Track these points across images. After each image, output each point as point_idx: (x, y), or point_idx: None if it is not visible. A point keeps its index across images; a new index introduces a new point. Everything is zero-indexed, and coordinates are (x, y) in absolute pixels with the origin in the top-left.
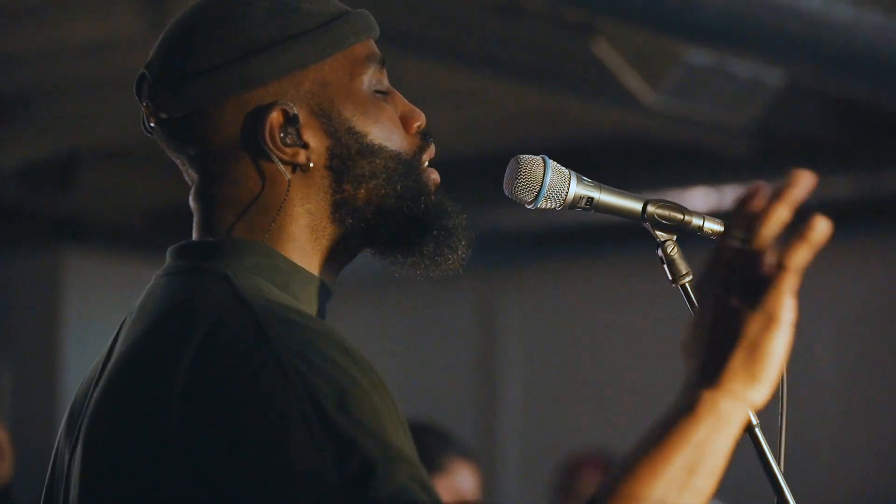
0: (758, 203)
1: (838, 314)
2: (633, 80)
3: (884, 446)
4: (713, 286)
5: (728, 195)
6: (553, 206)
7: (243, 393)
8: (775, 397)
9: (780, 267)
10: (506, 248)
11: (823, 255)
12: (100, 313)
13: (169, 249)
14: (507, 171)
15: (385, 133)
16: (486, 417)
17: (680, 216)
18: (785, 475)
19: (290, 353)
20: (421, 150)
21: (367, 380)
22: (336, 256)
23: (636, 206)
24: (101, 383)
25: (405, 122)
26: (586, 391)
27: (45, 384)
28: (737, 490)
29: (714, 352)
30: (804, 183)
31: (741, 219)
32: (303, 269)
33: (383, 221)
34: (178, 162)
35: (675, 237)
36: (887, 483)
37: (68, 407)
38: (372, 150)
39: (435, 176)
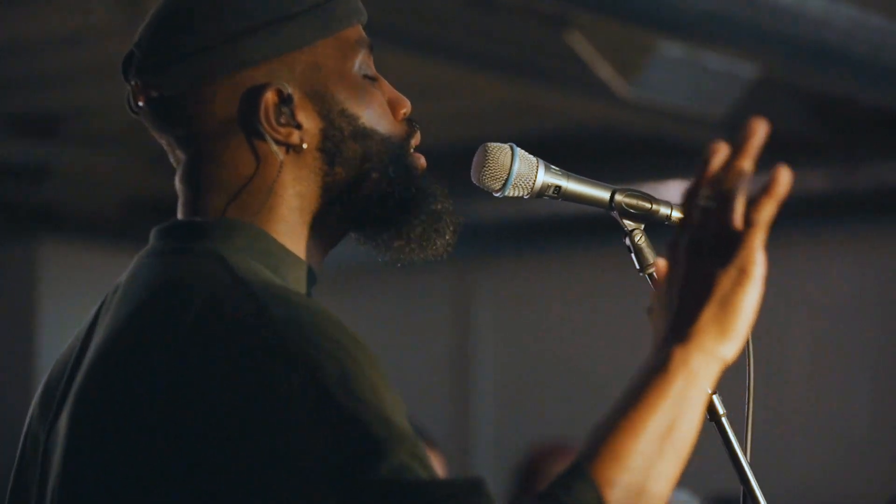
0: (719, 160)
1: (812, 307)
2: (607, 73)
3: (855, 439)
4: (683, 246)
5: None
6: (520, 194)
7: (245, 369)
8: (744, 388)
9: (749, 223)
10: (480, 239)
11: (797, 248)
12: (76, 302)
13: (154, 229)
14: (475, 158)
15: (376, 117)
16: (459, 409)
17: (648, 205)
18: (753, 466)
19: (292, 331)
20: (408, 135)
21: (366, 359)
22: (324, 239)
23: (604, 194)
24: (86, 363)
25: (392, 107)
26: (560, 383)
27: (21, 373)
28: (705, 480)
29: (684, 309)
30: (760, 132)
31: (705, 178)
32: (292, 252)
33: (373, 204)
34: (163, 142)
35: (643, 226)
36: (859, 475)
37: (40, 387)
38: (364, 133)
39: (422, 161)
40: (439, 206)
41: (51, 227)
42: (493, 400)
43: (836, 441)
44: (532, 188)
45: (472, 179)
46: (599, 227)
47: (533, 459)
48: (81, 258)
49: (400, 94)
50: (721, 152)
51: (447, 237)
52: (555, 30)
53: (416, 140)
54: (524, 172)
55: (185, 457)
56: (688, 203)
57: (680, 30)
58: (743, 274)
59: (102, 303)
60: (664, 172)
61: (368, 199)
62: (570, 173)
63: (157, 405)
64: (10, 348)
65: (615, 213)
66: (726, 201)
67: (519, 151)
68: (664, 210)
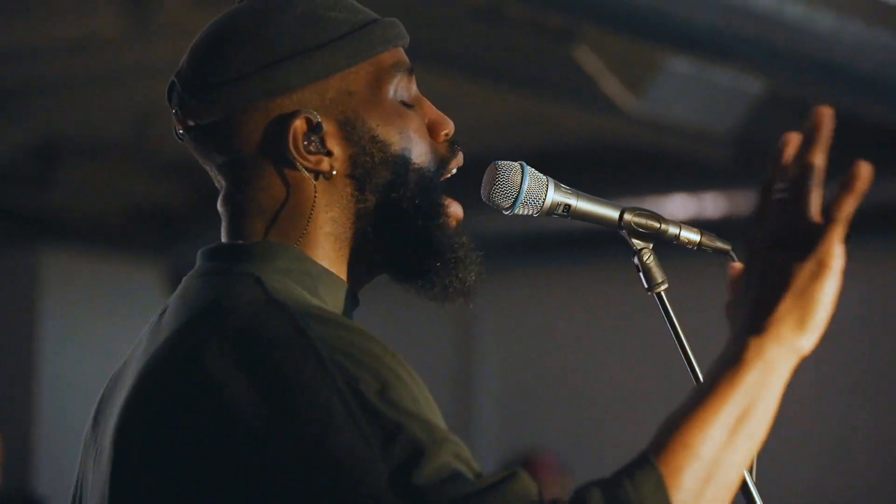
0: (791, 152)
1: None
2: (613, 87)
3: (857, 453)
4: (760, 240)
5: (707, 203)
6: (530, 212)
7: (285, 387)
8: None
9: (829, 218)
10: (483, 253)
11: None
12: (77, 310)
13: (200, 251)
14: (485, 176)
15: (409, 143)
16: (461, 422)
17: (656, 225)
18: (761, 480)
19: (329, 347)
20: (448, 158)
21: (404, 371)
22: (358, 268)
23: (613, 213)
24: (131, 381)
25: (433, 129)
26: (562, 397)
27: (23, 380)
28: None
29: (761, 301)
30: (827, 121)
31: (780, 171)
32: (331, 273)
33: (399, 237)
34: (207, 168)
35: (651, 245)
36: (861, 489)
37: (95, 404)
38: (395, 161)
39: (456, 210)
40: (462, 253)
41: (52, 234)
42: (495, 414)
43: (837, 451)
44: (542, 207)
45: (482, 197)
46: (602, 242)
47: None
48: (83, 266)
49: (443, 115)
50: (793, 144)
51: (468, 284)
52: (562, 44)
53: (457, 162)
54: (534, 191)
55: (230, 481)
56: (763, 196)
57: (687, 45)
58: (822, 266)
59: (153, 322)
60: (670, 187)
61: (395, 231)
62: (579, 192)
63: (197, 428)
64: (11, 355)
65: (624, 233)
66: (802, 194)
67: (529, 169)
68: (673, 230)
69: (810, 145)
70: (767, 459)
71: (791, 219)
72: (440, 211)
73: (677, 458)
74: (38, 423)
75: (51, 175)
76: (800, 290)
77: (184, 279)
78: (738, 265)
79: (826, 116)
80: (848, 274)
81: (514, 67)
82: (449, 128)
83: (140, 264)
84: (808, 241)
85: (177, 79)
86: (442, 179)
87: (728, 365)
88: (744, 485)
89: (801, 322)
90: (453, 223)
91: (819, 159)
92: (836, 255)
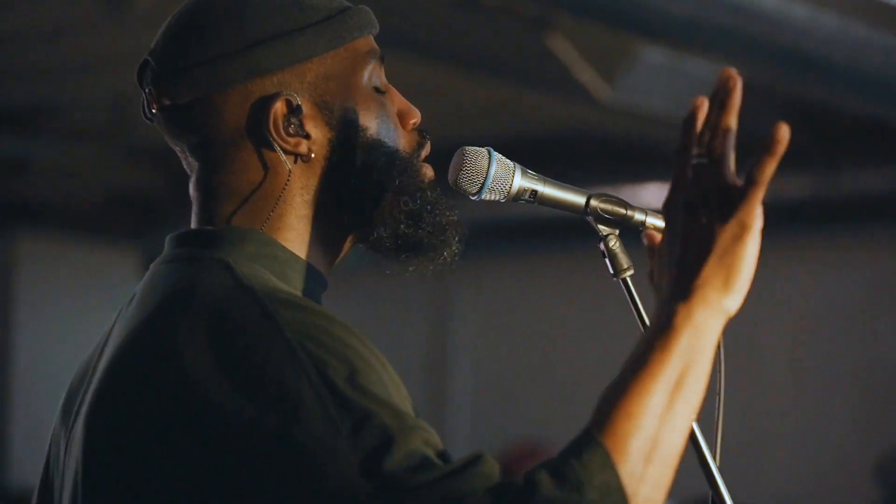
0: (703, 117)
1: (791, 312)
2: (588, 76)
3: (834, 445)
4: (679, 205)
5: None
6: (497, 198)
7: (254, 373)
8: (714, 393)
9: (751, 181)
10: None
11: (777, 253)
12: (53, 296)
13: (168, 237)
14: (452, 161)
15: (384, 128)
16: (436, 410)
17: (622, 211)
18: (731, 472)
19: (298, 333)
20: (418, 146)
21: (374, 357)
22: (332, 247)
23: (579, 199)
24: (101, 369)
25: (402, 118)
26: (537, 384)
27: None
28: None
29: (685, 265)
30: (736, 84)
31: (692, 135)
32: (300, 258)
33: (379, 215)
34: (177, 149)
35: (617, 232)
36: (837, 481)
37: (64, 393)
38: (372, 145)
39: (430, 172)
40: (445, 218)
41: (29, 220)
42: (470, 401)
43: (814, 448)
44: (508, 192)
45: (449, 182)
46: (577, 229)
47: (510, 460)
48: (59, 252)
49: (410, 105)
50: (703, 109)
51: (453, 248)
52: (536, 32)
53: (425, 150)
54: (501, 176)
55: (199, 466)
56: (679, 162)
57: (661, 35)
58: (744, 228)
59: (121, 310)
60: (643, 176)
61: (375, 210)
62: (546, 178)
63: (167, 413)
64: None
65: (590, 219)
66: (720, 158)
67: (496, 155)
68: (639, 216)
69: (722, 109)
70: (743, 453)
71: (710, 182)
72: (421, 185)
73: (621, 429)
74: (13, 410)
75: (27, 161)
76: (723, 251)
77: (152, 265)
78: (654, 233)
79: (734, 79)
80: (820, 265)
81: (488, 55)
82: (417, 117)
83: (117, 250)
84: (728, 203)
85: (151, 57)
86: (418, 165)
87: (659, 332)
88: (709, 473)
89: (727, 283)
90: (437, 196)
91: (732, 122)
92: (757, 216)
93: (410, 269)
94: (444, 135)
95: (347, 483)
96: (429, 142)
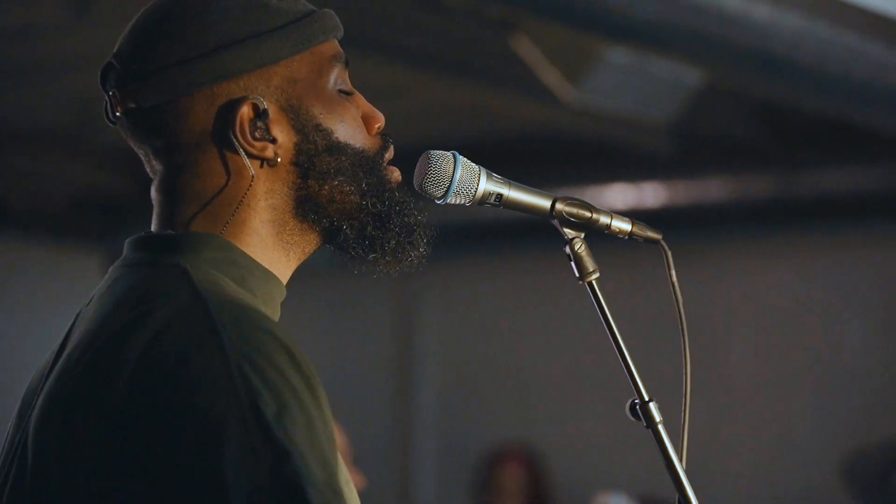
0: None
1: (753, 313)
2: (552, 77)
3: (797, 443)
4: None
5: (647, 192)
6: (462, 201)
7: (186, 390)
8: (680, 394)
9: None
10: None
11: (741, 253)
12: (18, 299)
13: (127, 241)
14: (417, 166)
15: (350, 131)
16: (402, 411)
17: (588, 214)
18: (695, 469)
19: (239, 354)
20: (382, 149)
21: (308, 393)
22: (296, 251)
23: (545, 203)
24: (53, 372)
25: (366, 122)
26: (503, 385)
27: None
28: (647, 486)
29: None
30: None
31: None
32: (260, 265)
33: (346, 218)
34: (140, 153)
35: (583, 235)
36: (800, 478)
37: (21, 397)
38: (338, 148)
39: (396, 174)
40: (413, 219)
41: None
42: (437, 404)
43: (777, 445)
44: (474, 196)
45: (415, 186)
46: (544, 231)
47: (490, 463)
48: (25, 255)
49: (374, 109)
50: None
51: (421, 249)
52: (501, 33)
53: (389, 154)
54: (466, 180)
55: (128, 471)
56: None
57: (626, 35)
58: None
59: (79, 312)
60: (608, 177)
61: (342, 213)
62: (511, 182)
63: (108, 425)
64: None
65: (556, 222)
66: None
67: (461, 159)
68: (604, 219)
69: None
70: (706, 453)
71: None
72: (388, 187)
73: None
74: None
75: None
76: None
77: (110, 269)
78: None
79: None
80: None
81: (452, 56)
82: (381, 121)
83: (83, 253)
84: None
85: (115, 59)
86: (384, 167)
87: None
88: (675, 475)
89: None
90: (404, 197)
91: None
92: None
93: (378, 270)
94: (409, 136)
95: None
96: (392, 146)
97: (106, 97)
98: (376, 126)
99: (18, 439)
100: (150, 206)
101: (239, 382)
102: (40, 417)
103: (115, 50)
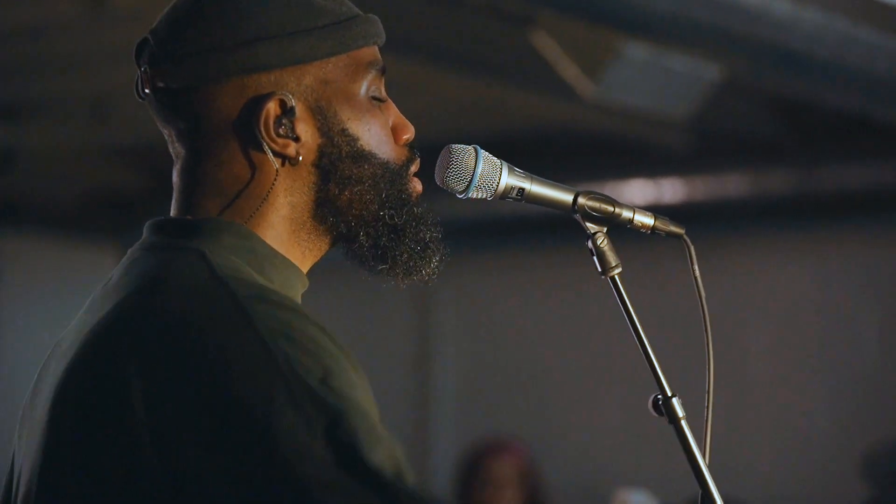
0: None
1: (771, 309)
2: (571, 73)
3: (815, 440)
4: None
5: (665, 188)
6: (484, 195)
7: (226, 370)
8: (702, 392)
9: None
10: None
11: (760, 249)
12: (36, 294)
13: (147, 224)
14: (439, 160)
15: (376, 140)
16: (419, 409)
17: (610, 208)
18: (713, 468)
19: (271, 330)
20: (408, 161)
21: (344, 357)
22: (311, 250)
23: (567, 197)
24: (71, 354)
25: (395, 132)
26: (521, 383)
27: None
28: (664, 483)
29: None
30: None
31: None
32: (279, 253)
33: (363, 226)
34: (165, 133)
35: (605, 229)
36: (819, 476)
37: (33, 381)
38: (362, 156)
39: (419, 187)
40: (428, 235)
41: (10, 219)
42: (454, 400)
43: (796, 442)
44: (495, 190)
45: (436, 180)
46: (561, 226)
47: (477, 454)
48: (41, 251)
49: (405, 120)
50: None
51: (433, 265)
52: (519, 29)
53: (415, 167)
54: (488, 174)
55: (164, 459)
56: None
57: (644, 31)
58: None
59: (94, 294)
60: (626, 173)
61: (359, 220)
62: (533, 176)
63: (134, 405)
64: None
65: (578, 216)
66: None
67: (483, 153)
68: (626, 213)
69: None
70: (724, 448)
71: None
72: (408, 201)
73: None
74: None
75: (10, 161)
76: None
77: (129, 251)
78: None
79: None
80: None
81: (471, 52)
82: (410, 133)
83: (98, 248)
84: None
85: (151, 36)
86: (407, 179)
87: None
88: (698, 472)
89: None
90: (423, 212)
91: None
92: None
93: (387, 280)
94: (427, 133)
95: (324, 481)
96: (418, 158)
97: (138, 72)
98: (405, 137)
99: (29, 425)
100: (164, 203)
101: (278, 356)
102: (56, 403)
103: (153, 26)
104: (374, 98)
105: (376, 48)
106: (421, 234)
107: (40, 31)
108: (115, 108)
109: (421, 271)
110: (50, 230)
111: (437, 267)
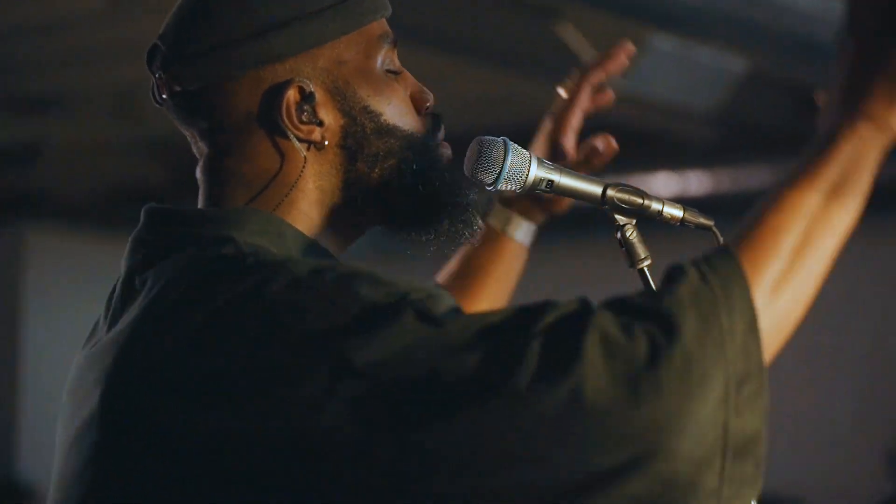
0: None
1: None
2: None
3: (839, 437)
4: (856, 29)
5: (691, 180)
6: (513, 188)
7: (288, 321)
8: None
9: None
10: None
11: None
12: (61, 289)
13: (163, 213)
14: (468, 152)
15: (398, 113)
16: None
17: (639, 201)
18: None
19: (322, 282)
20: (433, 129)
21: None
22: (344, 234)
23: (596, 189)
24: (120, 342)
25: (415, 102)
26: None
27: (6, 359)
28: None
29: (855, 83)
30: None
31: None
32: (309, 238)
33: (399, 200)
34: (187, 134)
35: (634, 221)
36: (843, 473)
37: (71, 374)
38: (387, 130)
39: (448, 152)
40: (465, 199)
41: (36, 214)
42: None
43: (819, 438)
44: (525, 182)
45: (465, 172)
46: (589, 218)
47: None
48: (66, 245)
49: (424, 88)
50: None
51: (474, 227)
52: (546, 21)
53: (441, 133)
54: (517, 166)
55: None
56: None
57: (671, 23)
58: None
59: (115, 284)
60: (654, 165)
61: (393, 194)
62: (562, 167)
63: (183, 388)
64: None
65: (607, 208)
66: None
67: (512, 145)
68: (656, 206)
69: None
70: None
71: (886, 7)
72: (440, 167)
73: (761, 248)
74: (22, 404)
75: (35, 153)
76: (893, 72)
77: (146, 238)
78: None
79: None
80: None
81: (497, 44)
82: (431, 100)
83: (123, 243)
84: None
85: (161, 42)
86: (435, 147)
87: (820, 142)
88: None
89: (893, 101)
90: (455, 177)
91: None
92: None
93: (432, 250)
94: (455, 125)
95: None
96: (443, 125)
97: (152, 79)
98: (426, 105)
99: (69, 418)
100: (191, 195)
101: (338, 299)
102: (108, 393)
103: (161, 31)
104: (390, 71)
105: (384, 21)
106: (459, 198)
107: (64, 25)
108: (140, 102)
109: (464, 234)
110: (74, 223)
111: (479, 228)
